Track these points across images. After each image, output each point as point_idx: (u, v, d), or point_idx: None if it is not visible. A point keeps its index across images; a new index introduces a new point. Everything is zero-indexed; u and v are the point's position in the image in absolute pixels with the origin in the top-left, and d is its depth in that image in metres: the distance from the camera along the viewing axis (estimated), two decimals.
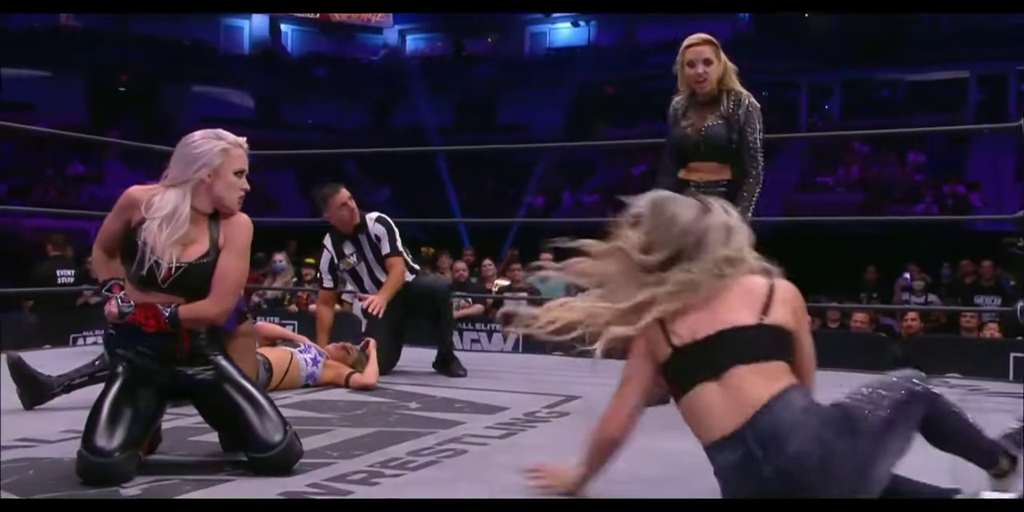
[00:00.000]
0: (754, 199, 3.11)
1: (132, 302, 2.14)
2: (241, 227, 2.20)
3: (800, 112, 20.13)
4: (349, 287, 4.84)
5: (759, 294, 1.79)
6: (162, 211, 2.12)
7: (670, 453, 2.24)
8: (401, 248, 3.94)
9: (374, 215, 4.00)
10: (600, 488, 1.93)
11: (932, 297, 8.18)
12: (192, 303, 2.13)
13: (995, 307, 6.74)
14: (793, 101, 20.43)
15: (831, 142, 17.29)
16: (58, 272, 6.59)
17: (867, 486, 1.65)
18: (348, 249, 3.99)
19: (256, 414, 2.12)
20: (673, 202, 1.87)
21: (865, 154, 17.25)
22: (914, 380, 1.75)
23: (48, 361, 3.18)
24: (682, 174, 3.17)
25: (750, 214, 3.07)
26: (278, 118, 22.17)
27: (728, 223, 1.84)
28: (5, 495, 1.91)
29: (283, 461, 2.11)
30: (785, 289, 1.81)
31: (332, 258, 4.03)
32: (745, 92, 3.13)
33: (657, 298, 1.79)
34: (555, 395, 3.33)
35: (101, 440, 2.01)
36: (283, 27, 24.31)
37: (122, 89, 20.79)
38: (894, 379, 1.76)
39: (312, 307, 5.93)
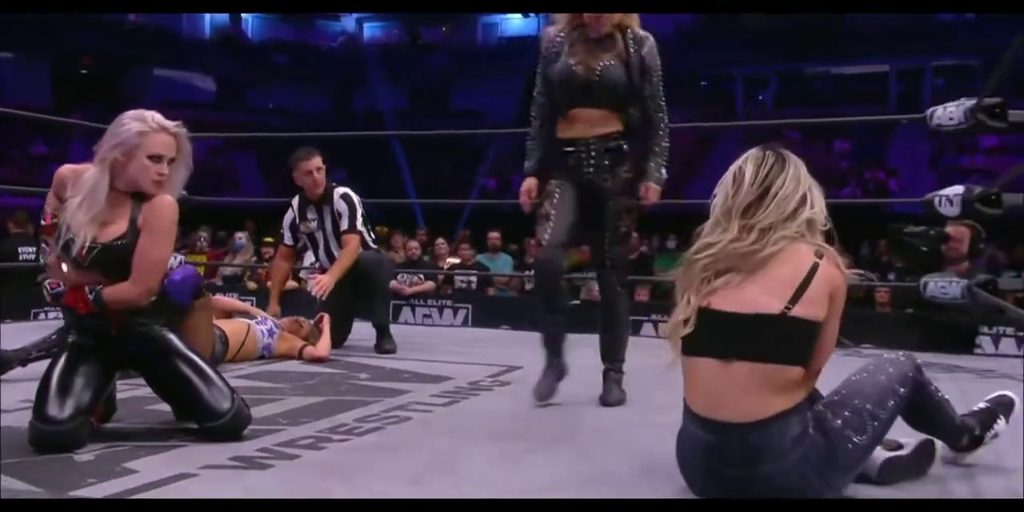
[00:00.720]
0: (667, 154, 2.63)
1: (61, 286, 2.10)
2: (163, 209, 2.10)
3: (736, 102, 20.35)
4: (307, 262, 4.76)
5: (797, 273, 1.63)
6: (83, 189, 2.06)
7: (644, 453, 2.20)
8: (360, 227, 3.85)
9: (341, 191, 3.91)
10: (587, 488, 1.84)
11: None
12: (116, 284, 2.08)
13: (893, 282, 6.80)
14: (730, 92, 20.65)
15: (765, 130, 17.50)
16: (20, 249, 6.45)
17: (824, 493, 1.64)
18: (311, 214, 3.93)
19: (203, 384, 2.10)
20: (744, 159, 1.76)
21: (796, 141, 17.51)
22: (909, 375, 1.71)
23: (7, 335, 3.11)
24: (563, 130, 2.61)
25: (665, 171, 2.62)
26: (240, 101, 21.72)
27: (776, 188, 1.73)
28: None
29: (232, 428, 2.09)
30: (828, 270, 1.65)
31: (295, 217, 3.98)
32: (647, 33, 2.59)
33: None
34: (499, 366, 3.35)
35: (52, 409, 1.97)
36: (243, 14, 23.73)
37: (84, 72, 20.17)
38: (890, 383, 1.69)
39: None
